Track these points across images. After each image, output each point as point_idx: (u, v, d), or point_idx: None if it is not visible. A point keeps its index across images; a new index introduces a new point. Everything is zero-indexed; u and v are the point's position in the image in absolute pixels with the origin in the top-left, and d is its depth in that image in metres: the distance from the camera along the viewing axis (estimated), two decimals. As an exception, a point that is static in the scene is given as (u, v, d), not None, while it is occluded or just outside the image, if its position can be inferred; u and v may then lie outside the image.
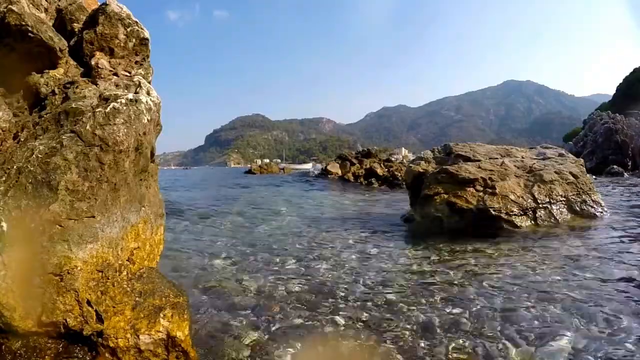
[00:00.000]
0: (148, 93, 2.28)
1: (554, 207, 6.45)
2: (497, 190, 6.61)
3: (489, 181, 6.75)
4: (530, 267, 3.25)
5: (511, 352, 1.85)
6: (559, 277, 2.90)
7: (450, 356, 1.82)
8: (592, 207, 6.45)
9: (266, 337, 2.03)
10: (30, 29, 1.94)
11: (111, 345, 1.62)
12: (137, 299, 1.76)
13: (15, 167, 1.65)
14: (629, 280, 2.80)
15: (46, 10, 2.38)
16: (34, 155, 1.68)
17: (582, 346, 1.85)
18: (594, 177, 12.88)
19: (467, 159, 7.45)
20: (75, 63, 2.32)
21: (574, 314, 2.18)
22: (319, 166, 29.75)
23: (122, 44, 2.40)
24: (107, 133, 1.84)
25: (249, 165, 42.51)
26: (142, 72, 2.52)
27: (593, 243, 4.23)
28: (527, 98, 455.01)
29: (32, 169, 1.64)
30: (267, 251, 3.99)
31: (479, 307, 2.39)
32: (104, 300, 1.64)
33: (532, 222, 5.99)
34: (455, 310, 2.32)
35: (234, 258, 3.72)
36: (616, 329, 2.02)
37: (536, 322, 2.15)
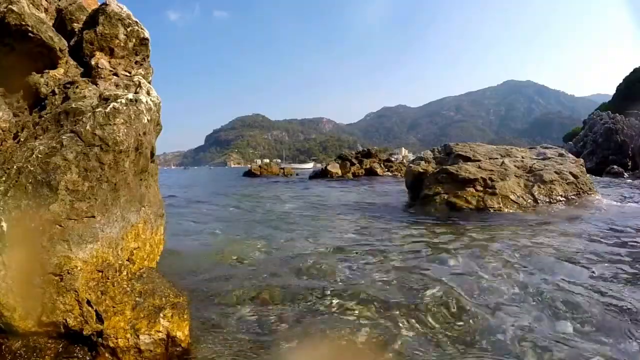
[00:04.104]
0: (148, 93, 2.28)
1: (554, 207, 6.45)
2: (497, 190, 6.61)
3: (489, 181, 6.76)
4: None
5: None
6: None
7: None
8: (591, 207, 6.44)
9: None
10: (30, 29, 1.94)
11: (111, 345, 1.62)
12: (137, 299, 1.76)
13: (15, 167, 1.65)
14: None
15: (46, 10, 2.38)
16: (34, 155, 1.68)
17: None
18: (593, 177, 12.87)
19: (467, 159, 7.46)
20: (75, 63, 2.32)
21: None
22: (319, 166, 29.70)
23: (122, 44, 2.40)
24: (107, 133, 1.84)
25: (249, 165, 42.42)
26: (142, 72, 2.52)
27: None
28: (527, 98, 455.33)
29: (32, 169, 1.64)
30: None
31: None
32: (104, 300, 1.64)
33: (532, 222, 6.00)
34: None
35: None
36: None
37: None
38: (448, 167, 7.22)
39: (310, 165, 73.86)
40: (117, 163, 1.87)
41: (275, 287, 2.69)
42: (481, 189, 6.74)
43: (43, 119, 1.95)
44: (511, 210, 6.26)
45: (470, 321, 2.09)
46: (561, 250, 3.53)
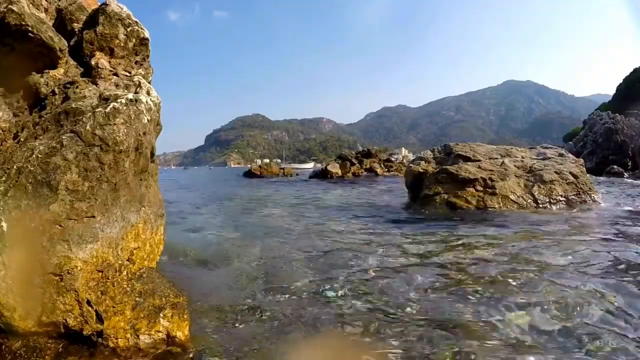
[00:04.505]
0: (148, 93, 2.28)
1: (554, 207, 6.46)
2: (497, 190, 6.62)
3: (489, 181, 6.76)
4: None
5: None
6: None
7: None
8: (591, 207, 6.45)
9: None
10: (30, 29, 1.94)
11: (111, 345, 1.62)
12: (137, 299, 1.76)
13: (15, 167, 1.65)
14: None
15: (46, 10, 2.38)
16: (34, 155, 1.68)
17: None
18: (593, 177, 12.84)
19: (467, 159, 7.46)
20: (75, 63, 2.32)
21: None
22: (319, 166, 29.67)
23: (122, 44, 2.40)
24: (107, 133, 1.84)
25: (249, 165, 42.38)
26: (142, 72, 2.52)
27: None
28: (527, 98, 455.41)
29: (32, 169, 1.64)
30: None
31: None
32: (104, 300, 1.64)
33: (532, 222, 5.99)
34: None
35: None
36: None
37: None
38: (448, 167, 7.22)
39: (310, 165, 73.89)
40: (117, 163, 1.87)
41: (276, 288, 2.69)
42: (481, 189, 6.74)
43: (43, 119, 1.95)
44: (512, 209, 6.26)
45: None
46: (564, 251, 3.52)
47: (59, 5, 2.51)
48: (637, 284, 2.62)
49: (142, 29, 2.51)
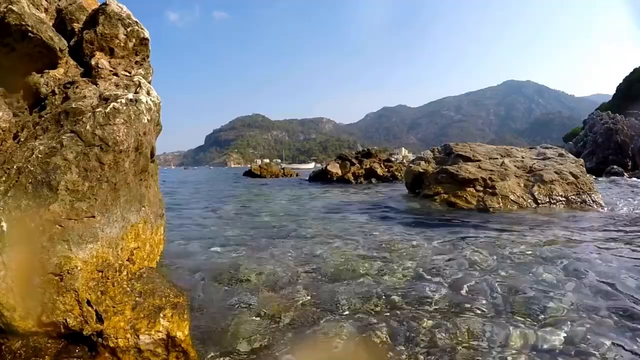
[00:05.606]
0: (148, 93, 2.28)
1: (554, 207, 6.46)
2: (497, 190, 6.62)
3: (489, 181, 6.76)
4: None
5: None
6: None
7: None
8: (592, 207, 6.45)
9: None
10: (30, 29, 1.94)
11: (111, 345, 1.62)
12: (137, 299, 1.76)
13: (15, 167, 1.65)
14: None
15: (46, 10, 2.39)
16: (34, 155, 1.68)
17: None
18: (593, 177, 12.82)
19: (467, 159, 7.46)
20: (75, 63, 2.32)
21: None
22: (319, 166, 29.70)
23: (122, 44, 2.41)
24: (107, 133, 1.84)
25: (249, 165, 42.40)
26: (142, 72, 2.52)
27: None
28: (527, 98, 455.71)
29: (32, 169, 1.64)
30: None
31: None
32: (104, 300, 1.64)
33: (532, 222, 5.98)
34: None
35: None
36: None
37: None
38: (448, 167, 7.22)
39: (310, 166, 74.00)
40: (117, 163, 1.88)
41: (277, 288, 2.69)
42: (481, 189, 6.74)
43: (43, 119, 1.95)
44: (512, 209, 6.26)
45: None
46: (563, 251, 3.52)
47: (59, 5, 2.51)
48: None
49: (142, 28, 2.51)
